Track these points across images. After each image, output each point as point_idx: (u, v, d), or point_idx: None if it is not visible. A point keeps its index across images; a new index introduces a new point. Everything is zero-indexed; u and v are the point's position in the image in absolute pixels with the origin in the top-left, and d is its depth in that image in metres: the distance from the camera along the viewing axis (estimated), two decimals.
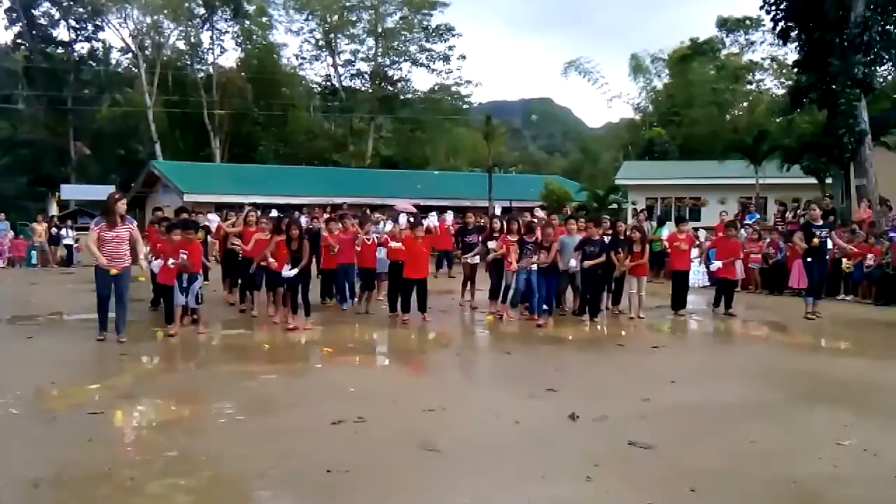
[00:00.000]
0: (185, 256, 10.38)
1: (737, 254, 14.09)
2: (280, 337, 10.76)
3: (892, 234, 16.20)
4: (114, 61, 53.98)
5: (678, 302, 13.42)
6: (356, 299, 13.37)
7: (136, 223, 10.55)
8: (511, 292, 12.51)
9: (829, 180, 24.18)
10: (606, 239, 13.02)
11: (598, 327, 12.00)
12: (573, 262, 12.50)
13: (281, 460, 5.43)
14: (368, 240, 13.13)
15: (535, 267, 12.02)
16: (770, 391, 7.89)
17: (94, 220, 10.41)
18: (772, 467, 5.39)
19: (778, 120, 38.53)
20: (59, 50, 50.72)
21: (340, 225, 13.36)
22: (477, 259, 13.96)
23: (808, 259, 13.27)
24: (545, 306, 12.33)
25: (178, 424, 6.42)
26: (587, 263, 12.26)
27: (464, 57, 56.05)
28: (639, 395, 7.40)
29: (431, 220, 14.59)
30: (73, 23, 50.08)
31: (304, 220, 19.88)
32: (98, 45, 52.08)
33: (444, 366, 9.56)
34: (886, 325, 12.70)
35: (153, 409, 7.01)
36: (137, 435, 6.31)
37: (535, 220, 13.83)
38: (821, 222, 13.34)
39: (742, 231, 18.33)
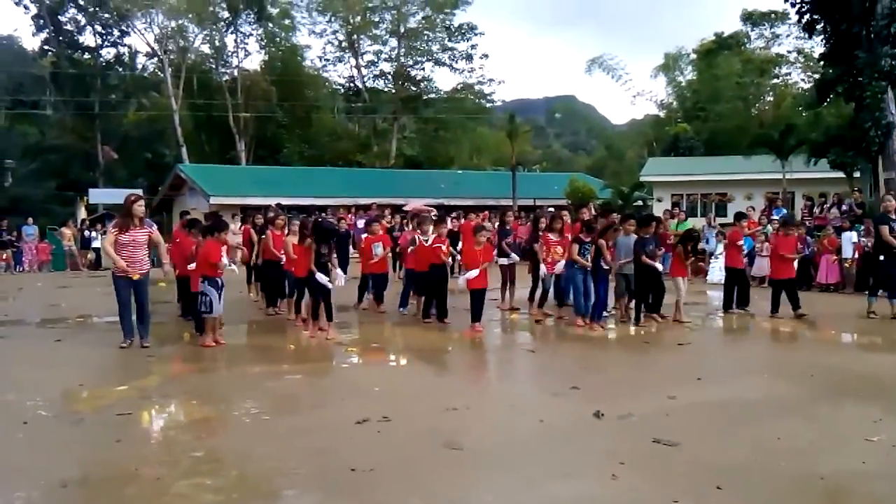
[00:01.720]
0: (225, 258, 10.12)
1: (793, 249, 13.30)
2: (305, 337, 10.80)
3: None
4: (140, 66, 54.29)
5: (741, 299, 13.14)
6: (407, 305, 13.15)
7: (155, 226, 10.27)
8: (572, 296, 12.08)
9: (856, 174, 23.91)
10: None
11: (627, 326, 11.87)
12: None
13: (306, 459, 5.47)
14: (426, 241, 12.30)
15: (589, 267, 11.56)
16: (797, 387, 7.81)
17: (111, 223, 10.10)
18: (799, 464, 5.34)
19: (804, 114, 38.11)
20: (86, 55, 51.04)
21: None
22: (516, 258, 13.46)
23: (882, 257, 12.35)
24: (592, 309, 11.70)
25: (204, 424, 6.49)
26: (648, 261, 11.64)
27: (486, 56, 55.88)
28: (664, 392, 7.37)
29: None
30: (99, 28, 50.43)
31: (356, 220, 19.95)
32: (124, 50, 52.41)
33: (468, 364, 9.58)
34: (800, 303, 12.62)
35: (180, 409, 7.09)
36: (164, 435, 6.36)
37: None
38: (894, 216, 12.40)
39: (768, 226, 18.16)
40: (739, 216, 14.56)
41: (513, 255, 13.46)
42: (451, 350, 10.32)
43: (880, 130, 20.38)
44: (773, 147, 27.80)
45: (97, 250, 27.09)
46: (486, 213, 23.40)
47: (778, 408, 6.92)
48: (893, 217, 12.32)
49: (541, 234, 12.63)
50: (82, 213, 37.03)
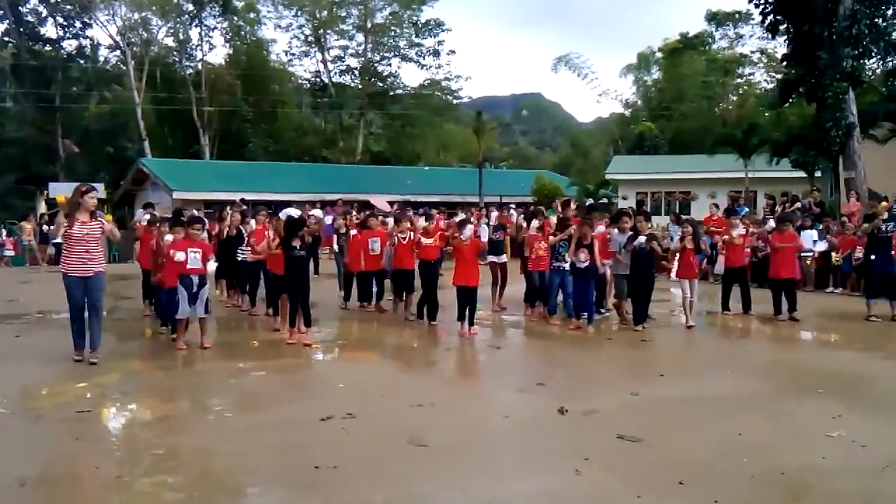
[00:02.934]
0: (197, 256, 9.34)
1: (796, 247, 12.87)
2: (269, 334, 10.70)
3: None
4: (102, 58, 53.59)
5: (744, 303, 12.65)
6: (394, 305, 12.57)
7: (104, 216, 9.12)
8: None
9: (818, 173, 24.28)
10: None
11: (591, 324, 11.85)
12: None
13: (269, 456, 5.42)
14: (404, 239, 11.85)
15: (567, 266, 11.24)
16: (759, 384, 7.90)
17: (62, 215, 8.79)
18: (760, 459, 5.39)
19: (767, 114, 38.69)
20: (47, 47, 50.28)
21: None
22: (504, 258, 13.07)
23: (872, 256, 12.18)
24: (583, 310, 11.28)
25: (165, 422, 6.41)
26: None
27: (453, 52, 56.15)
28: (628, 388, 7.43)
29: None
30: (60, 20, 49.69)
31: (324, 216, 19.67)
32: (86, 42, 51.72)
33: (434, 361, 9.56)
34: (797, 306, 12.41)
35: (141, 407, 6.98)
36: (125, 433, 6.28)
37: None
38: (886, 215, 12.24)
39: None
40: (730, 213, 14.31)
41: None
42: (417, 347, 10.30)
43: (841, 130, 20.69)
44: (736, 146, 28.18)
45: (57, 245, 26.69)
46: (482, 211, 23.38)
47: (740, 404, 7.00)
48: (884, 218, 12.19)
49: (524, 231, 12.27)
50: (42, 208, 36.42)
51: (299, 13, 52.63)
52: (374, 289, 13.09)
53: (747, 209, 22.65)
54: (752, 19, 43.56)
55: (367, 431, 6.03)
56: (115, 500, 4.70)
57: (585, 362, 9.27)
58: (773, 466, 5.25)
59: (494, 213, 13.67)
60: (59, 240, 8.73)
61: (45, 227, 27.20)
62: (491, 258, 13.02)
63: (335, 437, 5.88)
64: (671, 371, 8.49)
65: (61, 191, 39.95)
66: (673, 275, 12.73)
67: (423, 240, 11.51)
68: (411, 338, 10.76)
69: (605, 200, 33.66)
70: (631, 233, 11.30)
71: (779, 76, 35.41)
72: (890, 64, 25.42)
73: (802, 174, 25.09)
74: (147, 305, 12.31)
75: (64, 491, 4.86)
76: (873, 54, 22.30)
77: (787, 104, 27.45)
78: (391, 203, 28.48)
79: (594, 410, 6.62)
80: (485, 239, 12.46)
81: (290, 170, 39.82)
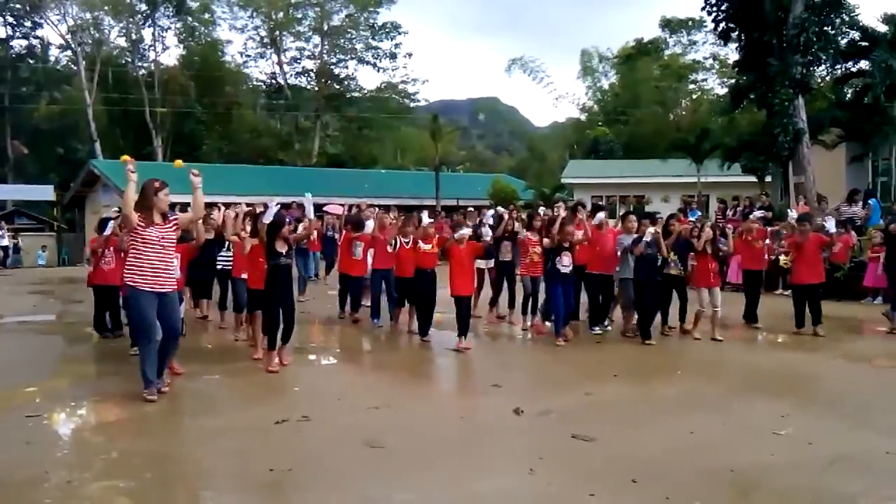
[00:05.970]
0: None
1: (820, 248, 11.52)
2: (222, 337, 10.60)
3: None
4: (52, 58, 52.78)
5: (751, 310, 12.26)
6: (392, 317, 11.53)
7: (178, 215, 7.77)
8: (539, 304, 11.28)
9: (768, 178, 24.74)
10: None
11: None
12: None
13: (223, 460, 5.38)
14: (407, 242, 10.89)
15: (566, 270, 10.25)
16: (709, 384, 8.05)
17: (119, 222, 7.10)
18: (710, 457, 5.50)
19: (719, 119, 39.32)
20: None
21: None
22: (491, 263, 12.20)
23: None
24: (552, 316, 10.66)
25: (118, 426, 6.32)
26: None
27: (410, 55, 56.25)
28: (582, 389, 7.51)
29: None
30: (10, 19, 48.80)
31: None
32: (36, 41, 50.88)
33: (391, 364, 9.53)
34: (823, 318, 12.78)
35: (92, 410, 6.89)
36: (76, 437, 6.18)
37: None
38: None
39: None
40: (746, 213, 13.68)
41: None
42: (374, 350, 10.30)
43: (790, 136, 21.08)
44: (689, 151, 28.62)
45: (5, 248, 26.21)
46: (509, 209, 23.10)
47: (691, 403, 7.12)
48: None
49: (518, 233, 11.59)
50: None
51: (255, 14, 52.24)
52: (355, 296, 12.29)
53: (699, 213, 23.00)
54: (705, 26, 44.20)
55: (323, 434, 6.02)
56: None
57: (541, 364, 9.34)
58: (723, 464, 5.35)
59: (490, 213, 12.84)
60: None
61: None
62: (480, 263, 12.03)
63: (290, 440, 5.86)
64: (624, 372, 8.59)
65: (7, 193, 39.37)
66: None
67: (422, 245, 10.38)
68: (367, 341, 10.76)
69: (560, 203, 33.88)
70: (636, 235, 10.51)
71: (731, 82, 35.99)
72: (838, 71, 26.02)
73: (753, 179, 25.56)
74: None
75: (12, 496, 4.76)
76: (822, 61, 22.76)
77: (739, 110, 27.93)
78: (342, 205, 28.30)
79: (549, 411, 6.68)
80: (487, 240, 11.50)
81: (245, 172, 39.42)
